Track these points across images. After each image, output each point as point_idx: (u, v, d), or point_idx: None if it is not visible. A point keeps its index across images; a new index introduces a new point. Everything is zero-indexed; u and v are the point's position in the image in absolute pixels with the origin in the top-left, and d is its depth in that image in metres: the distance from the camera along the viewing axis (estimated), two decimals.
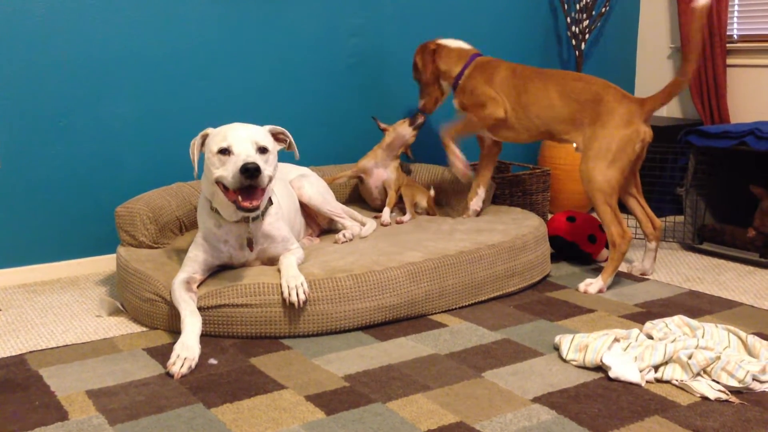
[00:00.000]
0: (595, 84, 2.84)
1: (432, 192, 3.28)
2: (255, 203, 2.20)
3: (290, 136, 2.45)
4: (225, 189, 2.24)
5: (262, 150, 2.26)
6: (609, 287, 2.78)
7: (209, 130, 2.32)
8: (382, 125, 3.30)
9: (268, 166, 2.25)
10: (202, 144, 2.35)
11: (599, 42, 4.33)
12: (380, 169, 3.24)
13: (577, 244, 3.08)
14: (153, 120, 3.11)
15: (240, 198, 2.20)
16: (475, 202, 3.17)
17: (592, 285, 2.76)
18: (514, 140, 3.06)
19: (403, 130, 3.24)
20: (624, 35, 4.43)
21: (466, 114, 3.06)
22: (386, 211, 3.13)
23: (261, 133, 2.29)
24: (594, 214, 3.27)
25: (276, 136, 2.41)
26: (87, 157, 3.00)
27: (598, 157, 2.74)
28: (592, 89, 2.82)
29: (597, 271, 3.02)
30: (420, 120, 3.25)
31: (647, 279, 2.90)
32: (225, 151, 2.22)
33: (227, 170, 2.20)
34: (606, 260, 3.08)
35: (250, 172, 2.14)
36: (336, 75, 3.52)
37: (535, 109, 2.92)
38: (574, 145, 2.93)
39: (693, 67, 2.72)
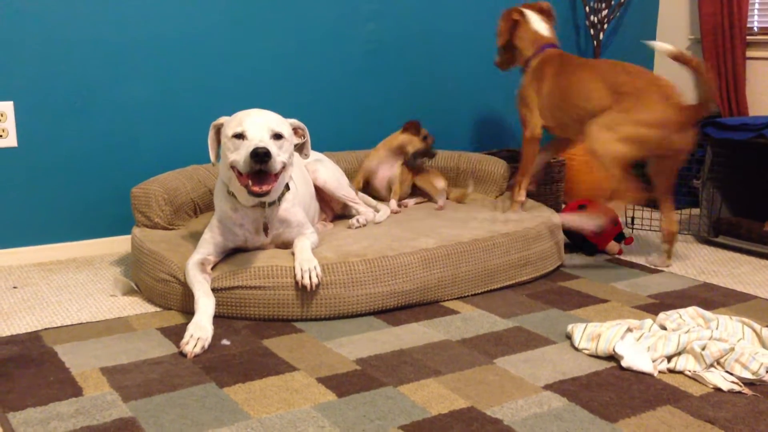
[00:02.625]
0: (640, 80, 2.72)
1: (470, 189, 3.27)
2: (265, 188, 2.21)
3: (308, 135, 2.45)
4: (239, 174, 2.25)
5: (277, 136, 2.26)
6: (622, 279, 2.77)
7: (223, 119, 2.33)
8: (415, 133, 3.15)
9: (281, 152, 2.26)
10: (217, 134, 2.36)
11: (618, 32, 4.29)
12: (384, 170, 3.17)
13: (582, 233, 3.06)
14: (169, 102, 3.12)
15: (251, 182, 2.21)
16: (522, 194, 3.12)
17: (567, 216, 2.78)
18: (567, 135, 3.03)
19: (412, 147, 3.15)
20: (643, 25, 4.39)
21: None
22: (392, 201, 3.11)
23: (277, 120, 2.30)
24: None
25: (294, 130, 2.42)
26: (103, 138, 3.02)
27: (610, 129, 2.66)
28: (636, 84, 2.71)
29: (611, 262, 3.00)
30: (426, 160, 3.18)
31: (661, 271, 2.89)
32: (239, 136, 2.23)
33: (240, 154, 2.21)
34: (618, 253, 3.06)
35: (260, 156, 2.15)
36: (352, 61, 3.52)
37: (578, 100, 2.85)
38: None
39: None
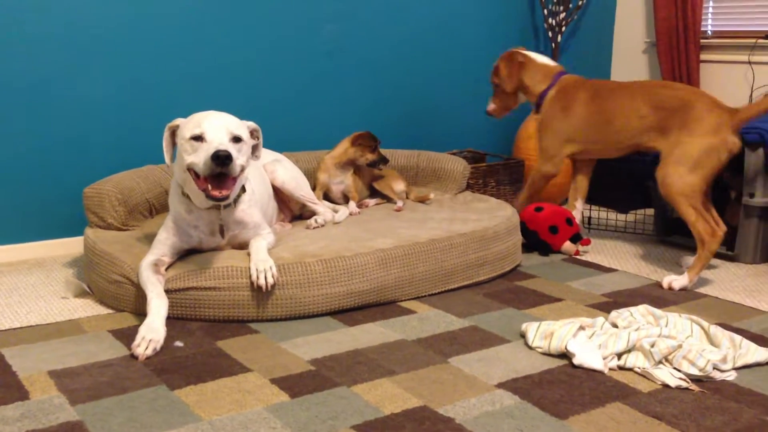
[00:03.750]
0: (682, 90, 2.85)
1: (432, 195, 3.25)
2: (225, 192, 2.18)
3: (261, 137, 2.43)
4: (196, 176, 2.22)
5: (236, 139, 2.24)
6: (577, 278, 2.81)
7: (178, 121, 2.31)
8: (366, 146, 3.06)
9: (240, 155, 2.24)
10: (172, 135, 2.32)
11: (576, 35, 4.35)
12: (337, 184, 3.12)
13: (537, 233, 3.10)
14: (124, 100, 3.07)
15: (210, 186, 2.18)
16: (574, 215, 3.24)
17: (676, 281, 2.69)
18: (600, 155, 3.11)
19: (364, 160, 3.08)
20: (600, 29, 4.46)
21: (528, 180, 3.22)
22: (351, 203, 3.09)
23: (235, 123, 2.28)
24: (565, 206, 3.29)
25: (250, 132, 2.39)
26: (56, 137, 2.96)
27: (679, 163, 2.74)
28: (679, 95, 2.82)
29: (568, 261, 3.04)
30: (381, 167, 3.14)
31: (616, 270, 2.93)
32: (198, 138, 2.20)
33: (199, 157, 2.18)
34: (574, 254, 3.10)
35: (221, 159, 2.12)
36: (311, 61, 3.51)
37: (620, 122, 2.95)
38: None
39: None
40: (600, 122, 3.01)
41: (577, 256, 3.11)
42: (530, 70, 3.17)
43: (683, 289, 2.69)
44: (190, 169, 2.23)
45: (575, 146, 3.10)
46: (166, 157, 2.34)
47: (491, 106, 3.32)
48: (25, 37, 2.84)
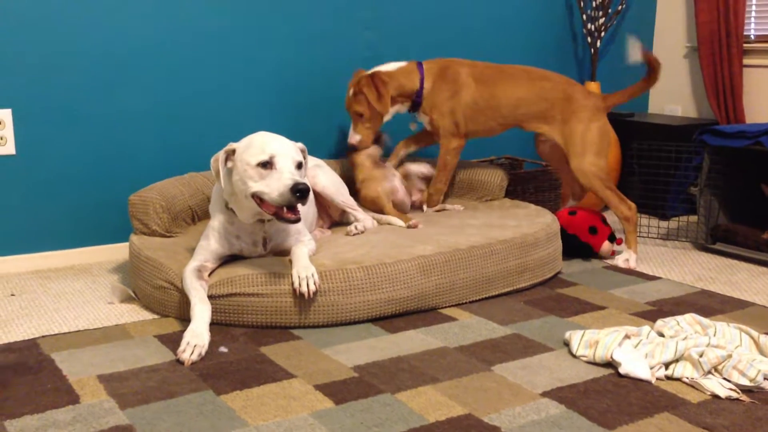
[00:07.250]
0: (561, 83, 3.11)
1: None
2: (297, 215, 2.23)
3: (307, 158, 2.43)
4: (260, 200, 2.24)
5: (299, 165, 2.27)
6: (620, 286, 2.78)
7: (234, 145, 2.29)
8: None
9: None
10: (226, 159, 2.31)
11: (615, 40, 4.30)
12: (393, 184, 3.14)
13: (577, 236, 3.08)
14: (167, 110, 3.12)
15: (285, 210, 2.21)
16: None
17: (629, 260, 3.01)
18: (485, 135, 3.25)
19: (372, 150, 3.16)
20: (640, 33, 4.40)
21: (438, 163, 3.18)
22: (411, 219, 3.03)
23: (295, 148, 2.30)
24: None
25: None
26: (101, 146, 3.02)
27: (586, 151, 3.03)
28: (560, 88, 3.08)
29: (609, 269, 3.01)
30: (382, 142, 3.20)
31: (659, 278, 2.89)
32: (266, 165, 2.20)
33: (270, 186, 2.18)
34: (611, 254, 3.09)
35: (303, 193, 2.15)
36: (349, 69, 3.52)
37: (506, 110, 3.13)
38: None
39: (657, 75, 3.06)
40: (488, 107, 3.12)
41: (612, 257, 3.09)
42: (396, 80, 3.05)
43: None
44: (256, 196, 2.24)
45: (470, 124, 3.16)
46: (222, 182, 2.31)
47: (356, 138, 3.10)
48: (71, 52, 2.90)
